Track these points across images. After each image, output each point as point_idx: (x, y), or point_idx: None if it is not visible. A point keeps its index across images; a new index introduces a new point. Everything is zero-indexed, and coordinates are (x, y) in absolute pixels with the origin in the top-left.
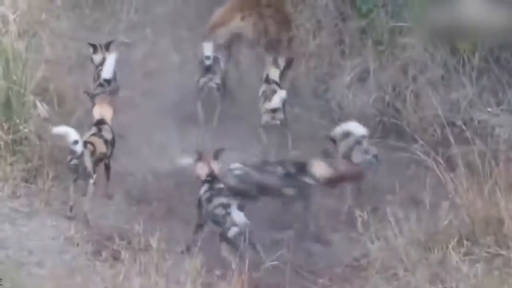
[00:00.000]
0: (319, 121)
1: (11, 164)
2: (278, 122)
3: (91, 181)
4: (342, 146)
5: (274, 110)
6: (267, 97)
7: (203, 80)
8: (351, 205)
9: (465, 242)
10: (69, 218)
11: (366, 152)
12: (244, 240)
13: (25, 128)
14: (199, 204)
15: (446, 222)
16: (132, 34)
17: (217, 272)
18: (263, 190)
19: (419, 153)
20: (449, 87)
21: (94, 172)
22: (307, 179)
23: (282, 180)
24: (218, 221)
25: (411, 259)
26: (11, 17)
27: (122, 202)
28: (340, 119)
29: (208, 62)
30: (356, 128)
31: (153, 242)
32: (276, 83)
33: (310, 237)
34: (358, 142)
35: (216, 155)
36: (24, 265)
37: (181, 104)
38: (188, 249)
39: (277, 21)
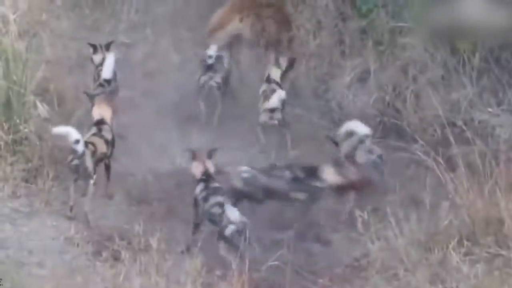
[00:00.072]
0: (319, 121)
1: (11, 164)
2: (275, 122)
3: (91, 181)
4: (345, 146)
5: (272, 110)
6: (267, 96)
7: (203, 78)
8: (351, 205)
9: (465, 242)
10: (70, 218)
11: (370, 152)
12: (245, 240)
13: (25, 128)
14: (195, 203)
15: (446, 222)
16: (132, 34)
17: (218, 272)
18: (270, 194)
19: (419, 153)
20: (449, 87)
21: (95, 172)
22: (318, 184)
23: (289, 184)
24: (214, 220)
25: (412, 259)
26: (12, 17)
27: (123, 202)
28: (340, 119)
29: (210, 61)
30: (359, 127)
31: (153, 242)
32: (277, 83)
33: (310, 237)
34: (362, 141)
35: (210, 154)
36: (24, 265)
37: (181, 104)
38: (188, 249)
39: (277, 21)
